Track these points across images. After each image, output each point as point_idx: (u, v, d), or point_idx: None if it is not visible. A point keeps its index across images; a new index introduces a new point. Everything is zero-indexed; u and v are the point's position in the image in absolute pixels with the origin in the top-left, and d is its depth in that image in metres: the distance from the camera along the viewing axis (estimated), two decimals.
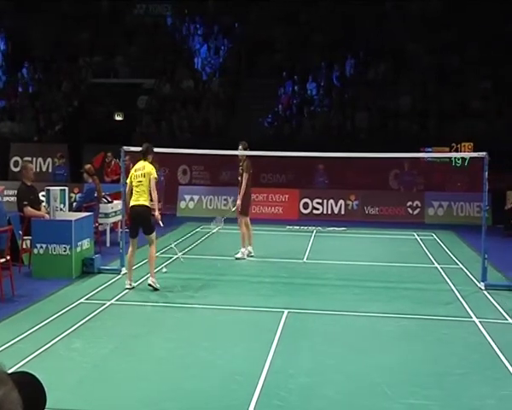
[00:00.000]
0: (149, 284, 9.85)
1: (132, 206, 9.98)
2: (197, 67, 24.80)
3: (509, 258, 11.89)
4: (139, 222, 9.93)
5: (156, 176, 10.17)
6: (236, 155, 12.53)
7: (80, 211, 12.26)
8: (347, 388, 6.29)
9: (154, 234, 10.12)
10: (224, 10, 25.60)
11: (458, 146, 19.22)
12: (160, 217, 10.18)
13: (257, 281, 10.63)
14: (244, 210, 12.36)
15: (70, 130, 22.49)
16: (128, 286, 9.89)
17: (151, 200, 10.06)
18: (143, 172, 9.95)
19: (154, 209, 10.03)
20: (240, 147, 12.15)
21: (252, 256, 12.42)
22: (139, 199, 9.87)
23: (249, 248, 12.48)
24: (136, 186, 9.92)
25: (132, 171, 10.15)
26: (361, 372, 6.68)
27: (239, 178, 12.40)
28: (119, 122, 23.44)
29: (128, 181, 10.14)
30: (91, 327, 8.11)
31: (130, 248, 10.03)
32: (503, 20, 22.20)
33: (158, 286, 9.86)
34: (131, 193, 10.02)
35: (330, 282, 10.71)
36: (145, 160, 10.11)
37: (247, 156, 12.24)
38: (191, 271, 11.48)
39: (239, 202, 12.26)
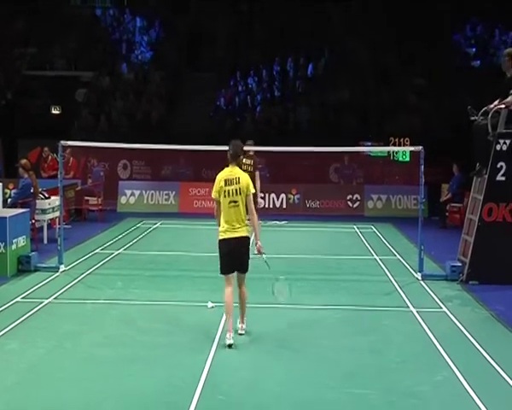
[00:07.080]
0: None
1: (225, 239, 7.25)
2: (137, 59, 24.43)
3: (445, 249, 12.27)
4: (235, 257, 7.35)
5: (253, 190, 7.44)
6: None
7: (15, 207, 11.95)
8: (290, 380, 6.34)
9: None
10: (165, 3, 25.31)
11: (396, 140, 19.73)
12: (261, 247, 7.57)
13: (198, 276, 10.57)
14: None
15: (4, 123, 21.78)
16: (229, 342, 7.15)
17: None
18: (238, 187, 7.21)
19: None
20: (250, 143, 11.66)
21: None
22: (236, 228, 7.22)
23: None
24: (230, 207, 7.20)
25: (219, 182, 7.26)
26: (303, 365, 6.75)
27: None
28: (56, 116, 22.87)
29: (215, 197, 7.34)
30: (28, 327, 7.87)
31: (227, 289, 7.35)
32: (438, 19, 22.88)
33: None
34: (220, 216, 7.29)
35: (272, 275, 10.75)
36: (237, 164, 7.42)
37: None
38: (132, 267, 11.34)
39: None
